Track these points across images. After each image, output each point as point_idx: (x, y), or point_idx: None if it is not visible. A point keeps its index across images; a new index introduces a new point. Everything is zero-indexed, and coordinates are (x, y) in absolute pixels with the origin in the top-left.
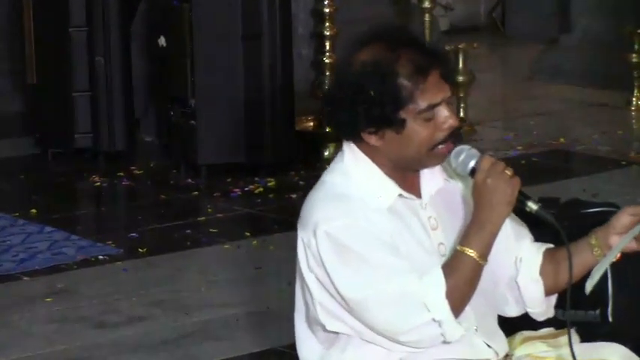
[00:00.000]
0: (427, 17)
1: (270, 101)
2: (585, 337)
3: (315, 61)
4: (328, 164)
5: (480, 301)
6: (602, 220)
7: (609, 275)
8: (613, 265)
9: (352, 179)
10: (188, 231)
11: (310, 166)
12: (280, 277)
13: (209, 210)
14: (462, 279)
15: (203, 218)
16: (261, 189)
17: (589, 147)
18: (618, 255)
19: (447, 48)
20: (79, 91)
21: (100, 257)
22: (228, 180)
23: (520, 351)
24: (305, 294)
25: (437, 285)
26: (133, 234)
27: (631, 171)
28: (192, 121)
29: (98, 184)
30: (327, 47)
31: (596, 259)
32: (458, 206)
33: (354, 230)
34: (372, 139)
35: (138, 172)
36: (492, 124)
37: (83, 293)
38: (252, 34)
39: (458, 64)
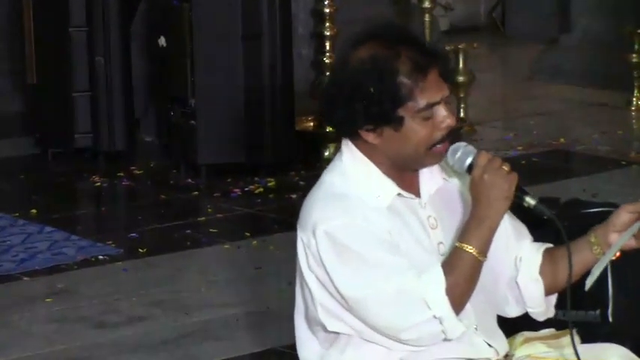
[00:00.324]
0: (427, 17)
1: (270, 101)
2: (585, 338)
3: (315, 61)
4: (328, 164)
5: (480, 299)
6: (602, 220)
7: (609, 275)
8: (613, 266)
9: (351, 179)
10: (188, 231)
11: (310, 166)
12: (280, 277)
13: (209, 210)
14: (461, 275)
15: (203, 218)
16: (261, 189)
17: (589, 147)
18: (617, 253)
19: (447, 48)
20: (79, 91)
21: (100, 257)
22: (228, 180)
23: (521, 352)
24: (305, 294)
25: (437, 282)
26: (133, 234)
27: (631, 171)
28: (192, 121)
29: (98, 184)
30: (327, 47)
31: (596, 257)
32: (457, 205)
33: (353, 229)
34: (370, 137)
35: (138, 172)
36: (492, 124)
37: (83, 293)
38: (252, 34)
39: (458, 64)
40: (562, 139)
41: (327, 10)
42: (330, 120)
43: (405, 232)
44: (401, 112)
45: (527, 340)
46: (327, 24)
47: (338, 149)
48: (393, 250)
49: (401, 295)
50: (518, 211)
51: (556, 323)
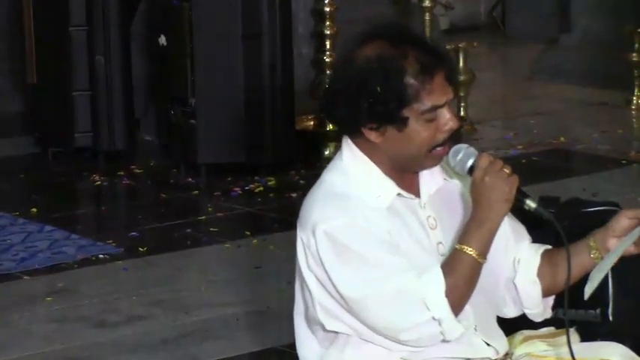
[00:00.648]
0: (427, 16)
1: (270, 101)
2: (585, 337)
3: (316, 61)
4: (328, 163)
5: (480, 299)
6: (602, 219)
7: (610, 275)
8: (613, 265)
9: (351, 178)
10: (188, 230)
11: (310, 166)
12: (280, 277)
13: (209, 209)
14: (461, 277)
15: (203, 217)
16: (261, 188)
17: (589, 146)
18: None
19: (448, 47)
20: (79, 91)
21: (100, 256)
22: (229, 179)
23: (520, 350)
24: (304, 293)
25: (436, 283)
26: (133, 233)
27: (631, 170)
28: (193, 121)
29: (98, 183)
30: (328, 46)
31: (594, 261)
32: (457, 206)
33: (353, 229)
34: (373, 135)
35: (138, 172)
36: (492, 124)
37: (83, 292)
38: (252, 34)
39: (458, 63)
40: (562, 139)
41: (327, 9)
42: (332, 117)
43: (405, 233)
44: (406, 112)
45: (526, 339)
46: (328, 23)
47: (338, 148)
48: (392, 250)
49: (400, 296)
50: (518, 211)
51: (556, 322)
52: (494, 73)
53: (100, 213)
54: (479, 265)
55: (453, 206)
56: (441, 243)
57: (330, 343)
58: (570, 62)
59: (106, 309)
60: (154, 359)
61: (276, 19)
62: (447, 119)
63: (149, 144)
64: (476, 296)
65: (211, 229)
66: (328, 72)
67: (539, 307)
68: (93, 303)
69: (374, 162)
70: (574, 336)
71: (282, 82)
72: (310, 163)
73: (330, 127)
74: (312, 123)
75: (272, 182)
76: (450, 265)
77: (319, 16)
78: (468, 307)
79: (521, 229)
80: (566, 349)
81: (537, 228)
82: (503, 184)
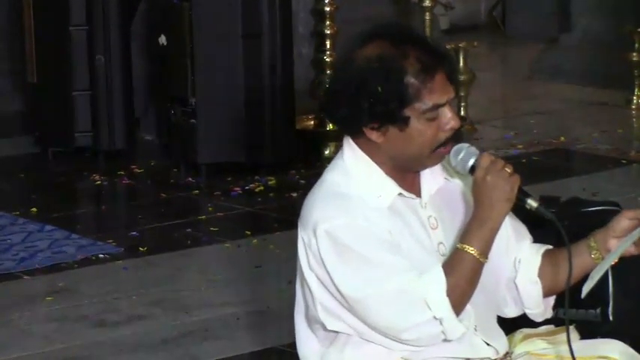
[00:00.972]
0: (427, 16)
1: (270, 100)
2: (585, 336)
3: (316, 60)
4: (329, 163)
5: (481, 298)
6: (602, 218)
7: (610, 274)
8: (613, 265)
9: (352, 178)
10: (188, 230)
11: (310, 165)
12: (280, 276)
13: (209, 209)
14: (462, 277)
15: (203, 217)
16: (261, 188)
17: (589, 146)
18: (616, 259)
19: (448, 47)
20: (79, 90)
21: (101, 256)
22: (229, 179)
23: (520, 348)
24: (305, 293)
25: (437, 283)
26: (134, 233)
27: (631, 170)
28: (193, 120)
29: (98, 182)
30: (328, 46)
31: (594, 262)
32: (458, 205)
33: (354, 229)
34: (374, 135)
35: (138, 171)
36: (493, 123)
37: (83, 292)
38: (252, 34)
39: (458, 63)
40: (562, 138)
41: (327, 9)
42: (332, 117)
43: (406, 232)
44: (407, 112)
45: (526, 337)
46: (328, 23)
47: (338, 148)
48: (393, 250)
49: (401, 295)
50: (519, 211)
51: (556, 321)
52: (495, 73)
53: (100, 213)
54: (480, 265)
55: (454, 206)
56: (441, 243)
57: (331, 343)
58: (570, 62)
59: (106, 309)
60: (153, 359)
61: (276, 18)
62: (448, 118)
63: (149, 144)
64: (476, 296)
65: (211, 228)
66: (328, 72)
67: (539, 307)
68: (93, 303)
69: (375, 162)
70: (573, 333)
71: (282, 82)
72: (310, 162)
73: (330, 126)
74: (312, 123)
75: (272, 182)
76: (452, 264)
77: (319, 15)
78: (468, 307)
79: (523, 229)
80: (565, 347)
81: (538, 228)
82: (504, 184)
